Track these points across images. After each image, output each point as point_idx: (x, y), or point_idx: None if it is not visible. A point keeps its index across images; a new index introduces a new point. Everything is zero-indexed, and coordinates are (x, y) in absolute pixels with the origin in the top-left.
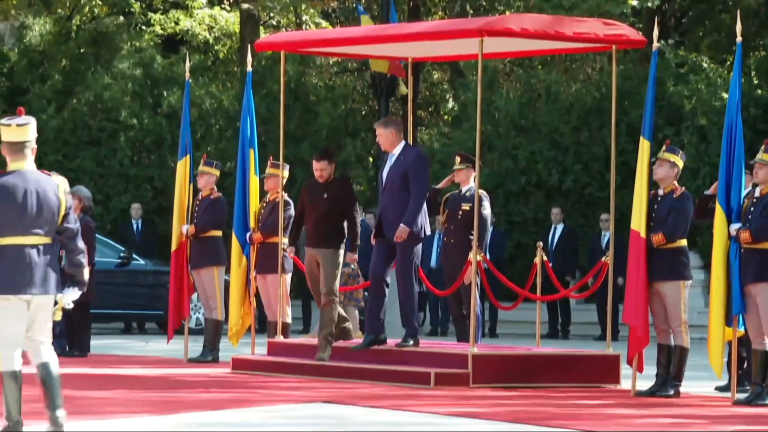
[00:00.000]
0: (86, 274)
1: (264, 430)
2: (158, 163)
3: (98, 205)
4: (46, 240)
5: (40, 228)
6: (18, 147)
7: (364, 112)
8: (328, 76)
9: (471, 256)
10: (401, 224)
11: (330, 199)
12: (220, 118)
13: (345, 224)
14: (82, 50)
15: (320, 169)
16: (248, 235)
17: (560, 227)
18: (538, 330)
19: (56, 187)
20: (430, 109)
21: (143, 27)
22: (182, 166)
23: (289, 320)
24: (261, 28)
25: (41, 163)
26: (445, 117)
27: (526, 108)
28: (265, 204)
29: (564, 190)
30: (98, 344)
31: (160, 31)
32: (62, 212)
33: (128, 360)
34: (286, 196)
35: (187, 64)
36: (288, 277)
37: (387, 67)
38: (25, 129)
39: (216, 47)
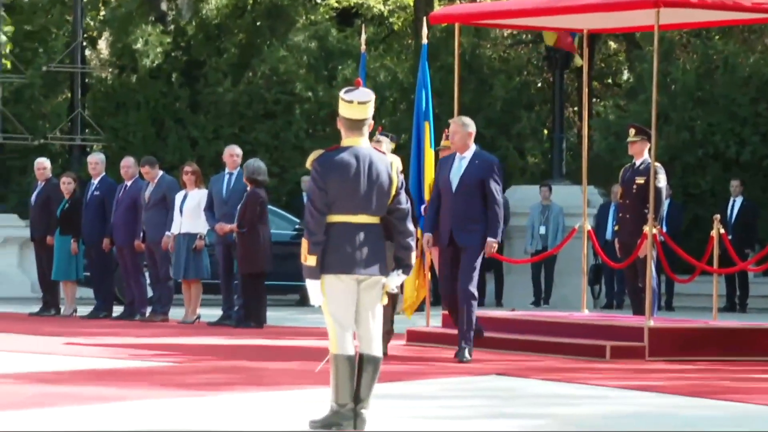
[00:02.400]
0: (413, 257)
1: (439, 402)
2: (333, 135)
3: (274, 178)
4: (375, 219)
5: (370, 207)
6: (357, 124)
7: (539, 85)
8: (502, 48)
9: (646, 229)
10: (489, 238)
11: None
12: (395, 90)
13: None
14: (257, 23)
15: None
16: (422, 207)
17: (739, 200)
18: (715, 303)
19: (389, 165)
20: (605, 81)
21: (318, 0)
22: None
23: None
24: (435, 0)
25: (217, 135)
26: (621, 89)
27: (703, 79)
28: None
29: (742, 162)
30: (274, 316)
31: (335, 4)
32: (393, 192)
33: (303, 332)
34: None
35: (363, 37)
36: None
37: (554, 39)
38: (366, 107)
39: (390, 20)
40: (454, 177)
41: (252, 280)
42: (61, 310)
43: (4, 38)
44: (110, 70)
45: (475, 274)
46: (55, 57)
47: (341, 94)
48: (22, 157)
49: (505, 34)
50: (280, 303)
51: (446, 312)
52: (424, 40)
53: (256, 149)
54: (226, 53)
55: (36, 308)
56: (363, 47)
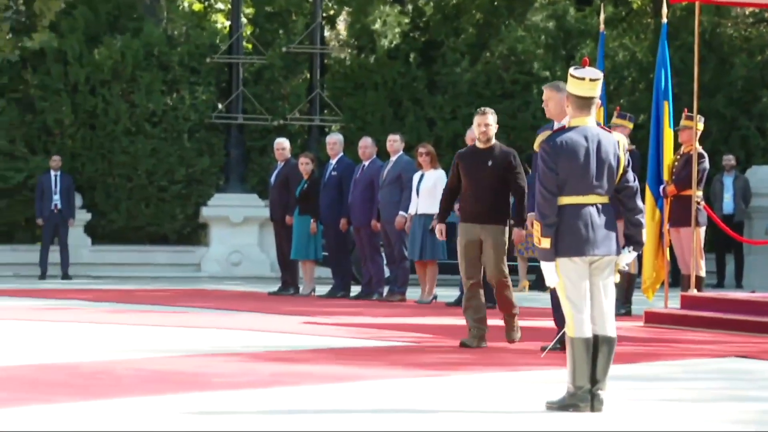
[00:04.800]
0: (644, 234)
1: (677, 384)
2: None
3: None
4: (605, 199)
5: (600, 186)
6: (586, 102)
7: None
8: (743, 27)
9: None
10: None
11: (495, 167)
12: (633, 70)
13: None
14: (495, 3)
15: (484, 124)
16: (662, 188)
17: None
18: None
19: (616, 144)
20: None
21: None
22: None
23: (702, 274)
24: None
25: (455, 115)
26: None
27: None
28: (679, 157)
29: None
30: None
31: None
32: (621, 170)
33: (539, 312)
34: (700, 149)
35: (602, 16)
36: (702, 230)
37: None
38: (596, 84)
39: None
40: None
41: None
42: (300, 290)
43: (245, 20)
44: (349, 50)
45: None
46: (295, 38)
47: (571, 71)
48: (262, 137)
49: (747, 12)
50: (515, 283)
51: (685, 293)
52: (664, 19)
53: None
54: (464, 33)
55: (275, 287)
56: (602, 26)
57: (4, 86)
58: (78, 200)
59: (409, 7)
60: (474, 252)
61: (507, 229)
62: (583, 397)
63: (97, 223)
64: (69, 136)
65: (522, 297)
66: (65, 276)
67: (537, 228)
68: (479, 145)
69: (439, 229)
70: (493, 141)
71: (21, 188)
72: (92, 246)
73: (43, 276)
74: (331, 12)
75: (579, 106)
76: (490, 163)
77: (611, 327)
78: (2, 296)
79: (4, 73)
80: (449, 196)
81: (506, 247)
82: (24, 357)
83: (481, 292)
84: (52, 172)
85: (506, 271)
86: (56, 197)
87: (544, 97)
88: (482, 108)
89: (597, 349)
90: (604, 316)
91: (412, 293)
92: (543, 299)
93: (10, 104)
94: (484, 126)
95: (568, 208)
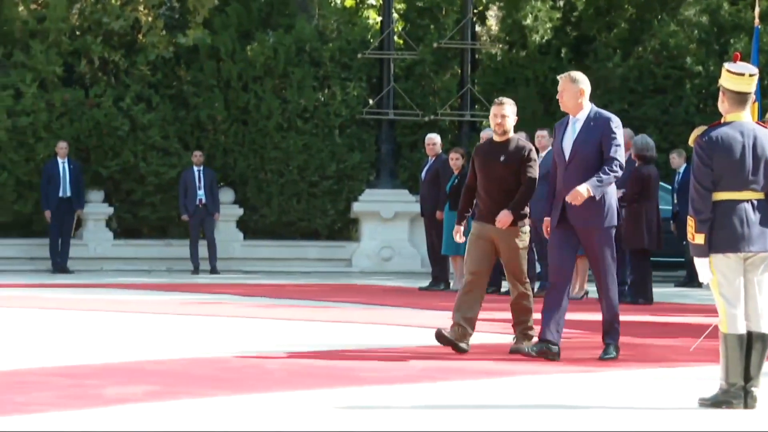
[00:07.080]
0: None
1: None
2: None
3: (663, 153)
4: (761, 195)
5: (756, 182)
6: (742, 98)
7: None
8: None
9: None
10: (585, 184)
11: (508, 162)
12: None
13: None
14: None
15: (500, 115)
16: None
17: None
18: None
19: None
20: None
21: None
22: None
23: None
24: None
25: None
26: None
27: None
28: None
29: None
30: (663, 292)
31: None
32: None
33: (691, 308)
34: None
35: (756, 10)
36: None
37: None
38: (754, 80)
39: None
40: (567, 144)
41: (637, 257)
42: (451, 285)
43: (395, 16)
44: (500, 46)
45: (610, 263)
46: (446, 33)
47: (727, 66)
48: (413, 133)
49: None
50: (668, 279)
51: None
52: None
53: (645, 125)
54: (616, 28)
55: (426, 283)
56: (756, 21)
57: (158, 82)
58: (230, 195)
59: (561, 2)
60: (483, 248)
61: (526, 228)
62: (737, 394)
63: (249, 218)
64: (221, 132)
65: (673, 293)
66: (213, 270)
67: (691, 223)
68: (495, 138)
69: (456, 230)
70: (510, 134)
71: (174, 183)
72: (244, 241)
73: (195, 271)
74: (482, 7)
75: (735, 101)
76: (502, 158)
77: (765, 324)
78: (155, 291)
79: (158, 69)
80: (468, 194)
81: (525, 248)
82: (175, 351)
83: (529, 298)
84: (195, 168)
85: (524, 277)
86: (201, 192)
87: (559, 88)
88: (499, 98)
89: (751, 345)
90: (758, 312)
91: None
92: (694, 295)
93: (164, 100)
94: (500, 117)
95: (723, 203)
